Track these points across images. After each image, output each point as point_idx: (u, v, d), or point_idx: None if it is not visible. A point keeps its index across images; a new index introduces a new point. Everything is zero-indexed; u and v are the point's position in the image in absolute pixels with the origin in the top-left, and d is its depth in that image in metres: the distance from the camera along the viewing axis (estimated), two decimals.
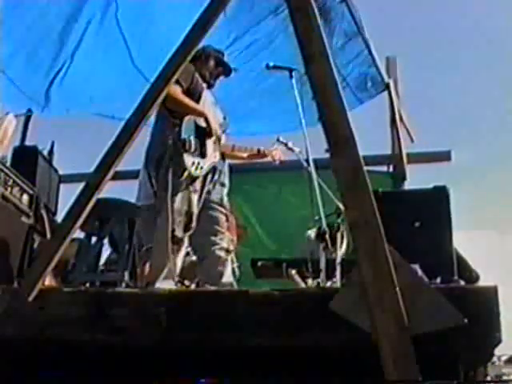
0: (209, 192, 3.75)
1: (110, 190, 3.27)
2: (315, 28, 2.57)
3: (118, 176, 3.47)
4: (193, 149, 3.56)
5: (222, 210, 3.80)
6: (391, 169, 6.40)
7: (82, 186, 2.80)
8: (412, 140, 6.35)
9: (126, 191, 5.09)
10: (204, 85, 3.86)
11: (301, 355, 2.40)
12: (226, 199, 3.86)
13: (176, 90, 3.60)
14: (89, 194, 2.74)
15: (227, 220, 3.85)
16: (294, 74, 3.99)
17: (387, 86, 5.93)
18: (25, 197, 4.10)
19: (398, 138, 6.18)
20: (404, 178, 6.16)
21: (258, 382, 2.44)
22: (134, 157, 3.53)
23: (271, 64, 4.12)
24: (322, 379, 2.39)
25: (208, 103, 3.84)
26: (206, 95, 3.85)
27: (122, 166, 2.87)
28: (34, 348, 2.59)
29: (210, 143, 3.72)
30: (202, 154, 3.63)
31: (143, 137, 3.67)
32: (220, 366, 2.45)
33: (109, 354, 2.55)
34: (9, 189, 3.89)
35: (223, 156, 3.87)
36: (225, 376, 2.44)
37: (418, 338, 2.15)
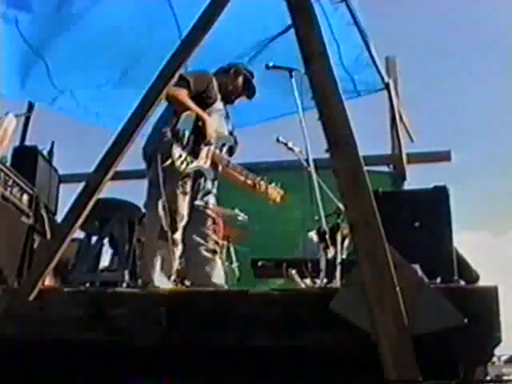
0: (196, 196, 3.76)
1: (110, 190, 3.27)
2: (315, 28, 2.57)
3: (118, 176, 3.48)
4: (185, 142, 3.56)
5: (209, 212, 3.81)
6: (391, 169, 6.40)
7: (81, 185, 2.81)
8: (412, 140, 6.35)
9: (126, 191, 5.10)
10: (219, 96, 3.89)
11: (301, 355, 2.40)
12: (212, 202, 3.88)
13: (181, 92, 3.64)
14: (89, 194, 2.75)
15: (214, 223, 3.87)
16: (293, 74, 3.98)
17: (387, 86, 5.92)
18: (25, 197, 4.10)
19: (398, 138, 6.18)
20: (404, 178, 6.16)
21: (257, 382, 2.44)
22: (134, 157, 3.54)
23: (271, 64, 4.11)
24: (322, 379, 2.39)
25: (216, 114, 3.85)
26: (217, 106, 3.87)
27: (121, 166, 2.87)
28: (34, 348, 2.59)
29: (204, 146, 3.72)
30: (194, 153, 3.63)
31: (143, 137, 3.68)
32: (220, 365, 2.45)
33: (109, 354, 2.55)
34: (9, 189, 3.89)
35: (215, 165, 3.85)
36: (225, 376, 2.44)
37: (417, 338, 2.15)
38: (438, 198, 3.49)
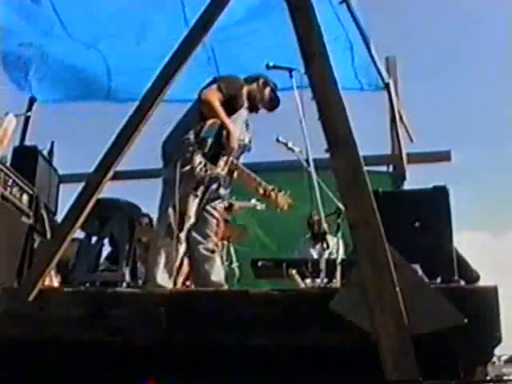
0: (206, 200, 3.79)
1: (110, 190, 3.28)
2: (315, 28, 2.57)
3: (118, 176, 3.48)
4: (206, 149, 3.61)
5: (215, 214, 3.85)
6: (391, 169, 6.40)
7: (81, 185, 2.81)
8: (412, 140, 6.35)
9: (126, 191, 5.10)
10: (246, 104, 3.96)
11: (301, 355, 2.40)
12: (220, 206, 3.92)
13: (215, 97, 3.71)
14: (89, 193, 2.75)
15: (217, 225, 3.92)
16: (293, 73, 3.99)
17: (387, 86, 5.92)
18: (25, 197, 4.09)
19: (398, 138, 6.18)
20: (404, 178, 6.15)
21: (257, 382, 2.44)
22: (134, 157, 3.55)
23: (271, 64, 4.11)
24: (322, 379, 2.39)
25: (240, 120, 3.92)
26: (242, 113, 3.94)
27: (121, 165, 2.87)
28: (34, 348, 2.59)
29: (224, 156, 3.76)
30: (214, 161, 3.67)
31: (143, 137, 3.68)
32: (220, 365, 2.45)
33: (109, 354, 2.55)
34: (9, 189, 3.89)
35: (231, 173, 3.90)
36: (225, 376, 2.44)
37: (418, 337, 2.15)
38: (437, 198, 3.50)
